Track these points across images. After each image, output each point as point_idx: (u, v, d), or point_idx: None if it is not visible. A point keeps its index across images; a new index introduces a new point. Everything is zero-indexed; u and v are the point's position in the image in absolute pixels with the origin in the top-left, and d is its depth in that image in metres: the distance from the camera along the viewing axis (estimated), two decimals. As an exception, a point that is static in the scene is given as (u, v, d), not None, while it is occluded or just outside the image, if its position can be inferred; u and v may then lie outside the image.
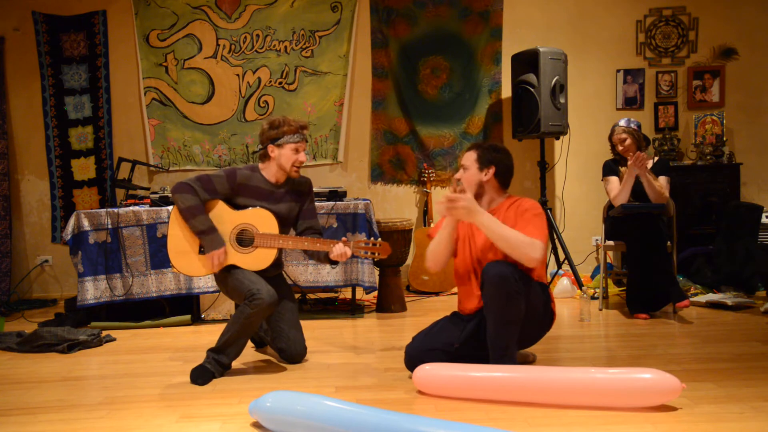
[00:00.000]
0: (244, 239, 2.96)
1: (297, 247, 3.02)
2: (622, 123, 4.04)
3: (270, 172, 3.07)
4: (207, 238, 2.88)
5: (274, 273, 3.08)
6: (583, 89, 5.38)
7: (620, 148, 4.01)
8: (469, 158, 2.78)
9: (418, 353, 2.74)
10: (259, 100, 5.36)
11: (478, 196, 2.75)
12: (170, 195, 2.97)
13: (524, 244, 2.52)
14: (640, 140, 4.01)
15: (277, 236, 2.96)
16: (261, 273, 2.95)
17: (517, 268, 2.56)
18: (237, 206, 3.01)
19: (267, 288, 2.82)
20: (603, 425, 2.14)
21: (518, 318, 2.55)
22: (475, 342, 2.71)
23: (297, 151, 3.02)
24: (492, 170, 2.76)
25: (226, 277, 2.93)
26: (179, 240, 2.95)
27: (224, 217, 2.96)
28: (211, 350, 2.86)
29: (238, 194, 3.01)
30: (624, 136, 3.99)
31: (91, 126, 5.37)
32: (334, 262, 3.01)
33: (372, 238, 2.98)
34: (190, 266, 2.95)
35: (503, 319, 2.54)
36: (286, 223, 3.08)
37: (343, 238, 2.96)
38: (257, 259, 2.96)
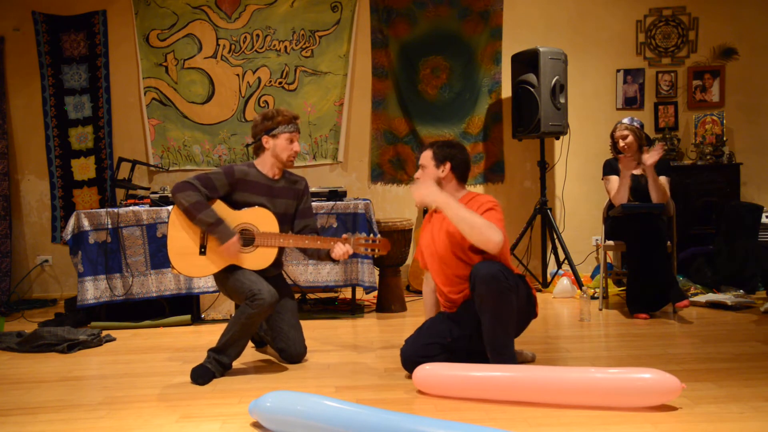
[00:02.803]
0: (245, 239, 2.96)
1: (298, 246, 3.02)
2: (626, 120, 4.06)
3: (266, 165, 3.07)
4: (218, 230, 2.86)
5: (273, 273, 3.08)
6: (583, 89, 5.38)
7: (621, 144, 4.01)
8: (426, 157, 2.86)
9: (413, 349, 2.77)
10: (259, 100, 5.36)
11: None
12: (171, 196, 2.95)
13: (484, 226, 2.56)
14: (641, 139, 4.01)
15: (277, 235, 2.97)
16: (261, 273, 2.95)
17: (504, 265, 2.61)
18: (236, 203, 3.00)
19: (268, 288, 2.82)
20: (603, 425, 2.14)
21: (512, 313, 2.59)
22: (468, 337, 2.73)
23: (291, 141, 3.04)
24: (448, 165, 2.82)
25: (226, 277, 2.93)
26: (179, 241, 2.94)
27: (224, 217, 2.95)
28: (211, 350, 2.86)
29: (237, 190, 3.00)
30: (626, 132, 3.99)
31: (91, 126, 5.37)
32: (336, 261, 3.02)
33: (371, 235, 2.98)
34: (190, 267, 2.95)
35: (498, 316, 2.56)
36: (283, 221, 3.07)
37: (344, 236, 2.96)
38: (258, 259, 2.95)
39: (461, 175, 2.86)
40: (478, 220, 2.57)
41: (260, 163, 3.08)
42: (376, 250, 2.97)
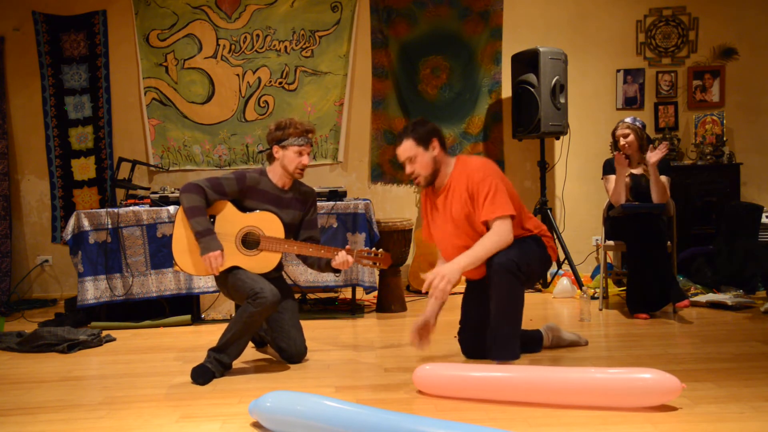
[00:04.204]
0: (250, 241, 2.96)
1: (301, 253, 3.02)
2: (628, 120, 4.05)
3: (276, 175, 3.07)
4: (203, 240, 2.87)
5: (274, 275, 3.08)
6: (583, 89, 5.38)
7: (622, 142, 4.01)
8: (410, 148, 2.79)
9: (476, 342, 2.86)
10: (259, 100, 5.36)
11: (435, 174, 2.82)
12: (178, 193, 2.97)
13: (495, 245, 2.64)
14: (642, 139, 4.01)
15: (282, 240, 2.97)
16: (262, 275, 2.94)
17: (518, 252, 2.66)
18: (244, 209, 3.01)
19: (270, 287, 2.82)
20: (603, 425, 2.14)
21: (522, 302, 2.69)
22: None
23: (300, 154, 3.02)
24: (436, 142, 2.81)
25: (228, 277, 2.93)
26: (184, 239, 2.94)
27: (231, 218, 2.96)
28: (212, 350, 2.86)
29: (247, 197, 3.01)
30: (627, 131, 3.99)
31: (91, 126, 5.37)
32: (336, 270, 3.01)
33: (374, 249, 2.99)
34: (194, 265, 2.95)
35: (508, 306, 2.64)
36: (289, 231, 3.07)
37: (347, 246, 2.96)
38: (261, 262, 2.95)
39: (444, 146, 2.85)
40: (488, 247, 2.64)
41: (271, 172, 3.09)
42: (378, 264, 2.98)
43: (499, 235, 2.65)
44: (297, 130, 3.02)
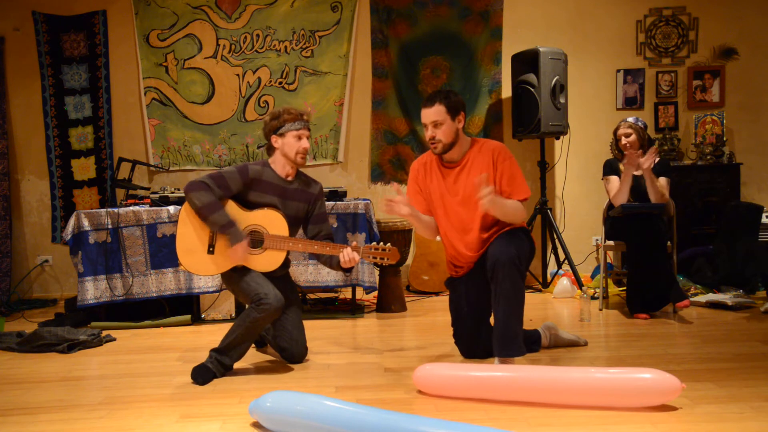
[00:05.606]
0: (254, 240, 2.95)
1: (307, 251, 3.00)
2: (630, 120, 4.06)
3: (279, 165, 3.06)
4: (230, 231, 2.84)
5: (280, 273, 3.07)
6: (583, 89, 5.38)
7: (623, 141, 4.01)
8: (439, 113, 2.78)
9: (474, 345, 2.90)
10: (259, 100, 5.36)
11: (452, 145, 2.83)
12: (183, 194, 2.94)
13: (518, 212, 2.76)
14: (643, 139, 4.01)
15: (287, 238, 2.95)
16: (268, 273, 2.94)
17: (517, 244, 2.70)
18: (249, 202, 3.00)
19: (275, 292, 2.81)
20: (603, 425, 2.14)
21: (524, 296, 2.69)
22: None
23: (299, 138, 3.01)
24: (462, 115, 2.82)
25: (234, 277, 2.92)
26: (188, 239, 2.94)
27: (234, 217, 2.93)
28: (214, 350, 2.85)
29: (251, 189, 2.99)
30: (629, 131, 4.00)
31: (91, 126, 5.37)
32: (347, 270, 2.98)
33: (381, 243, 2.96)
34: (197, 265, 2.94)
35: (515, 302, 2.64)
36: (293, 224, 3.06)
37: (354, 243, 2.95)
38: (267, 261, 2.95)
39: (464, 122, 2.88)
40: (516, 210, 2.74)
41: (273, 163, 3.07)
42: (386, 259, 2.93)
43: (520, 209, 2.76)
44: (291, 115, 3.01)
